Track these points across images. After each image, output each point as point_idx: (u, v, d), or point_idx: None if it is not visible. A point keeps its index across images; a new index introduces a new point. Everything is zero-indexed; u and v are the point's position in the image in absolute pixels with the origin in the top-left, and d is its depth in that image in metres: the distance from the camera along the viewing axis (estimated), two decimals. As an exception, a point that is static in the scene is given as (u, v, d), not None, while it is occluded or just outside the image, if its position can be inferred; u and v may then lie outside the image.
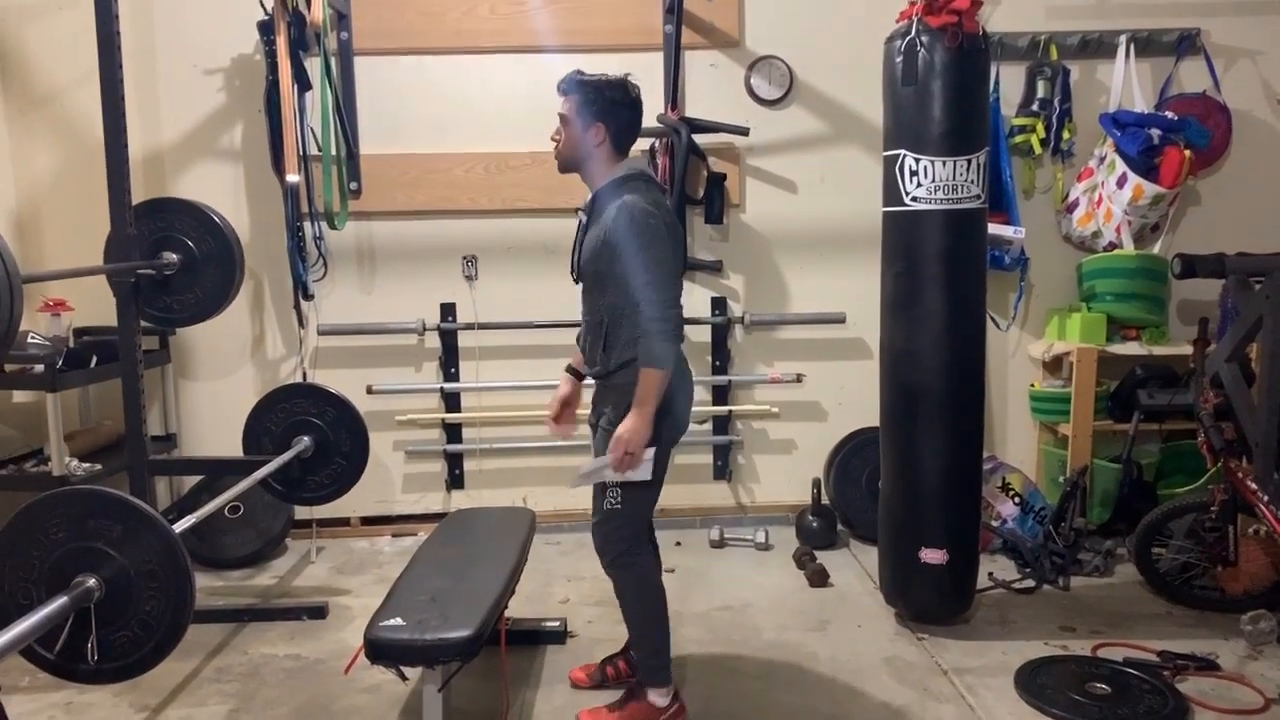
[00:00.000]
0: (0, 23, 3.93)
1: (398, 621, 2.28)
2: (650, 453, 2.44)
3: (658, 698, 2.62)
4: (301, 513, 4.05)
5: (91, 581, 2.02)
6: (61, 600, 1.96)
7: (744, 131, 4.02)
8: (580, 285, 2.63)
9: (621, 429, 2.40)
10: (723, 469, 4.32)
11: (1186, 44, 4.07)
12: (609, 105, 2.51)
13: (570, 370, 2.84)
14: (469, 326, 4.14)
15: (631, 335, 2.45)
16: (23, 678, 2.80)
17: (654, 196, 2.51)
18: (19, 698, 2.35)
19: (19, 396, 3.69)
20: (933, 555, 3.08)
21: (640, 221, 2.40)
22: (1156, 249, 4.05)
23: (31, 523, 2.06)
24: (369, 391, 4.04)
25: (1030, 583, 3.53)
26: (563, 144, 2.55)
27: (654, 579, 2.67)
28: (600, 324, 2.52)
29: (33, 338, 3.43)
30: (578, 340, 2.71)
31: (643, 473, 2.46)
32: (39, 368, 3.31)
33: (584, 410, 2.74)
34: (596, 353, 2.55)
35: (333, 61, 3.82)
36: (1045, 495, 4.00)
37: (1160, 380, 3.87)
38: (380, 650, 2.24)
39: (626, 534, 2.57)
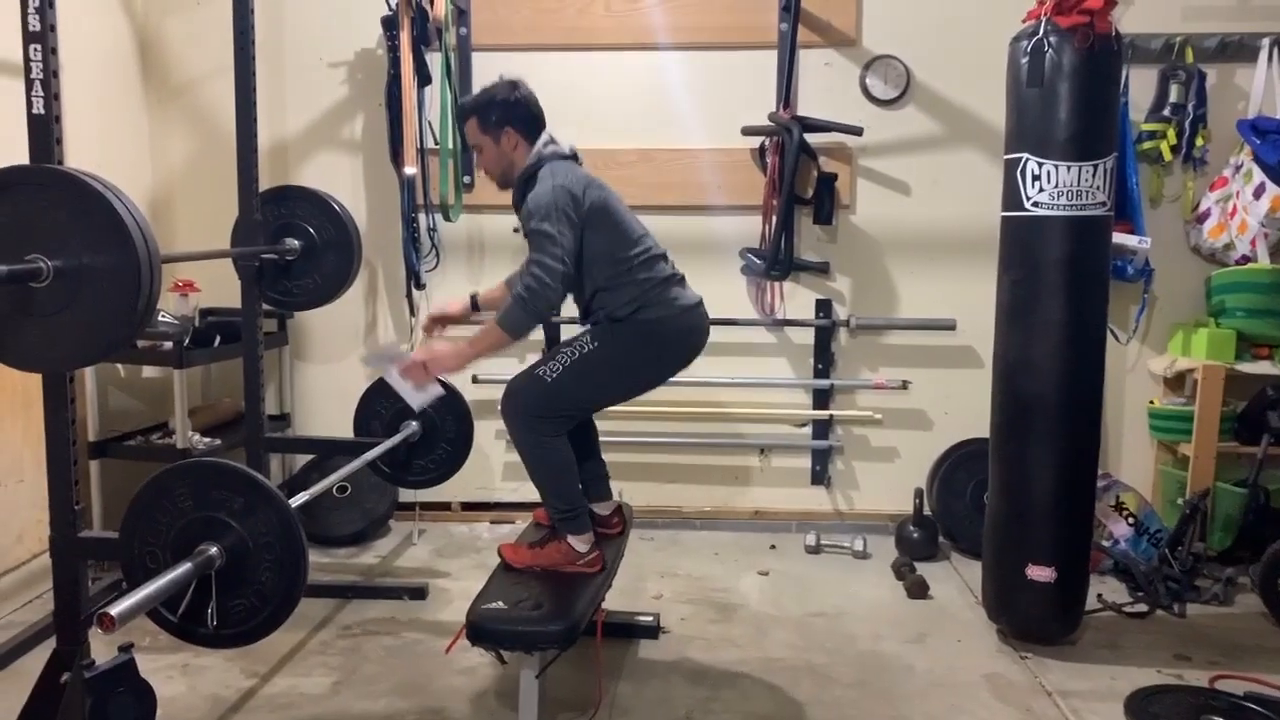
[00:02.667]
0: (144, 16, 4.14)
1: (500, 605, 2.32)
2: (436, 389, 2.59)
3: (578, 543, 2.64)
4: (405, 495, 4.15)
5: (214, 550, 2.10)
6: (186, 566, 2.04)
7: (857, 131, 3.95)
8: None
9: (437, 347, 2.57)
10: (821, 474, 4.26)
11: (1336, 48, 3.84)
12: (504, 107, 2.61)
13: (473, 297, 2.99)
14: (572, 320, 4.17)
15: (611, 301, 2.58)
16: (144, 638, 2.94)
17: (555, 172, 2.56)
18: (141, 656, 2.47)
19: (148, 372, 3.89)
20: (1040, 572, 2.98)
21: (534, 209, 2.50)
22: (1294, 264, 3.84)
23: (161, 491, 2.16)
24: (474, 380, 4.12)
25: (1143, 607, 3.38)
26: (488, 167, 2.69)
27: (551, 448, 2.63)
28: (583, 302, 2.68)
29: (162, 316, 3.61)
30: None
31: (421, 396, 2.60)
32: (167, 345, 3.48)
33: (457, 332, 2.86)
34: (582, 318, 2.72)
35: (452, 57, 3.91)
36: (1162, 517, 3.83)
37: (1293, 402, 3.67)
38: (482, 633, 2.28)
39: (541, 407, 2.57)
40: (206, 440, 3.66)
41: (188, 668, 2.89)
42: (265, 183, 3.47)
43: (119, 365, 3.84)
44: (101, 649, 2.38)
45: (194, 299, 3.75)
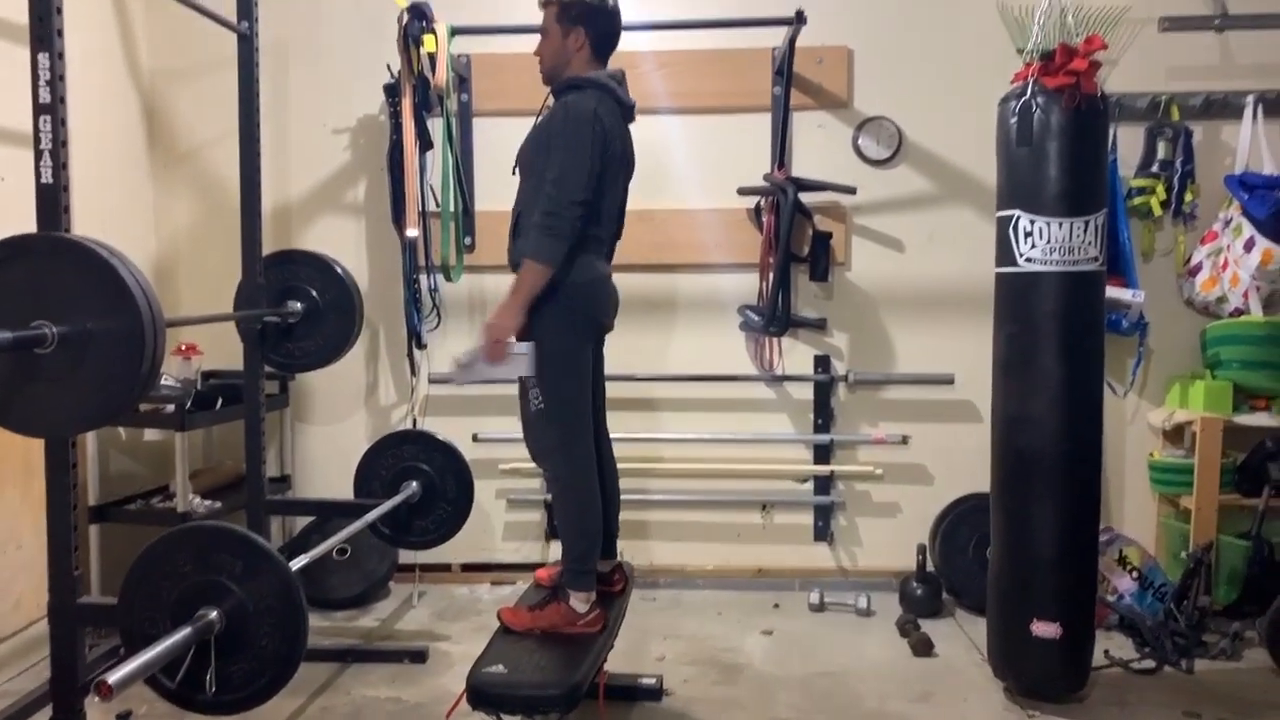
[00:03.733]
0: (151, 86, 4.24)
1: (500, 669, 2.31)
2: (527, 347, 2.47)
3: (578, 603, 2.59)
4: (405, 557, 4.13)
5: (213, 614, 2.10)
6: (185, 631, 2.04)
7: (851, 190, 4.02)
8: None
9: (489, 317, 2.50)
10: (824, 530, 4.25)
11: (1320, 105, 3.92)
12: (589, 9, 2.62)
13: None
14: (573, 379, 4.20)
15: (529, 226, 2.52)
16: (141, 705, 2.91)
17: (602, 101, 2.56)
18: (137, 725, 2.48)
19: (149, 435, 3.88)
20: (1045, 629, 2.96)
21: (572, 120, 2.49)
22: (1287, 315, 3.87)
23: (161, 556, 2.16)
24: (475, 440, 4.13)
25: (1150, 663, 3.35)
26: (545, 55, 2.67)
27: (585, 479, 2.61)
28: (514, 216, 2.64)
29: (165, 379, 3.62)
30: None
31: (519, 367, 2.47)
32: (169, 408, 3.49)
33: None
34: (511, 241, 2.64)
35: (453, 122, 3.99)
36: (1166, 571, 3.81)
37: (1293, 453, 3.67)
38: (482, 697, 2.26)
39: (555, 431, 2.57)
40: (207, 503, 3.65)
41: (184, 735, 2.85)
42: (269, 246, 3.52)
43: (120, 429, 3.85)
44: (98, 717, 2.35)
45: (196, 361, 3.77)
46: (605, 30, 2.67)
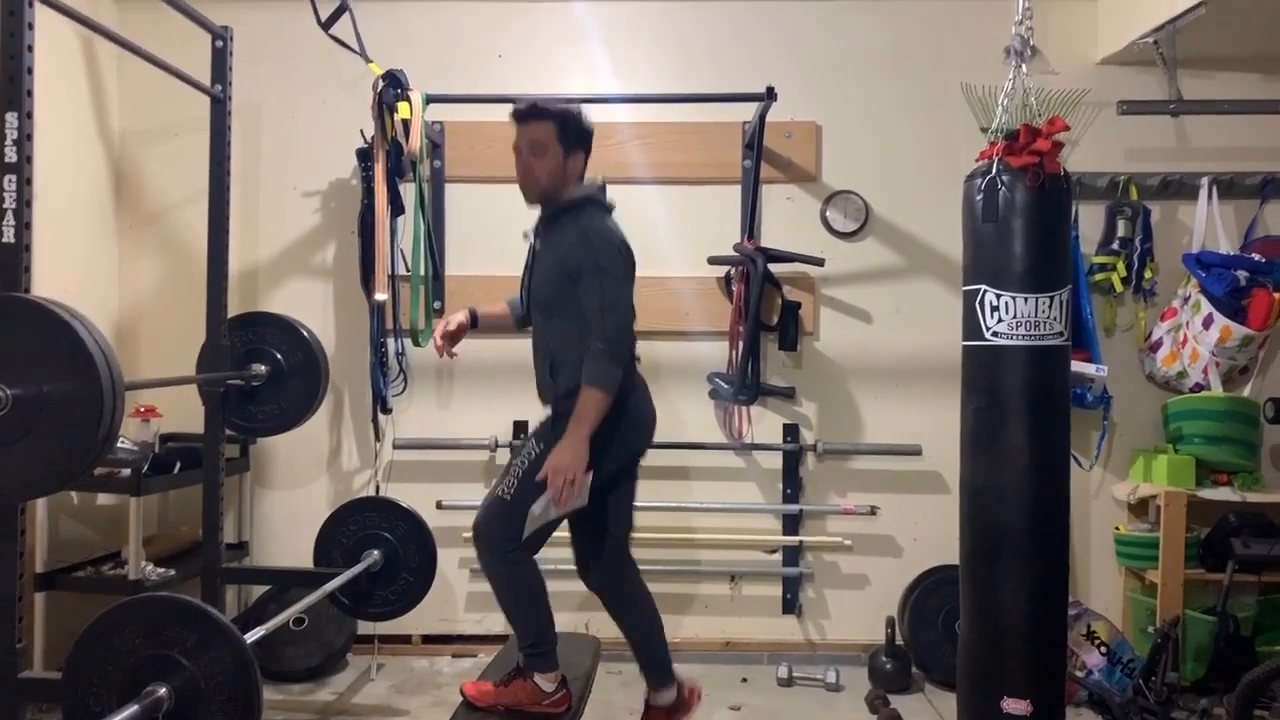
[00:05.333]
0: (121, 147, 4.22)
1: (460, 749, 2.23)
2: (589, 478, 2.40)
3: (544, 682, 2.53)
4: (364, 627, 4.02)
5: (162, 691, 2.02)
6: (132, 709, 1.96)
7: (819, 262, 4.06)
8: (528, 311, 2.67)
9: (555, 457, 2.35)
10: (792, 602, 4.20)
11: (1271, 188, 4.04)
12: (585, 136, 2.58)
13: (472, 312, 2.86)
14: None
15: (578, 359, 2.44)
16: (81, 785, 2.77)
17: (610, 220, 2.55)
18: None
19: (102, 499, 3.79)
20: (1016, 705, 2.91)
21: (599, 247, 2.45)
22: (1246, 391, 3.94)
23: (109, 628, 2.09)
24: (439, 507, 4.06)
25: (1121, 741, 3.32)
26: (541, 174, 2.53)
27: (532, 571, 2.55)
28: (547, 349, 2.55)
29: (122, 442, 3.54)
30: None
31: (582, 499, 2.40)
32: (125, 472, 3.40)
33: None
34: (544, 378, 2.56)
35: (425, 188, 4.00)
36: (1134, 646, 3.79)
37: (1255, 528, 3.70)
38: (441, 778, 2.18)
39: (507, 529, 2.49)
40: (160, 571, 3.54)
41: (127, 818, 2.72)
42: (234, 308, 3.48)
43: (73, 492, 3.75)
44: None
45: (155, 424, 3.69)
46: (589, 154, 2.66)
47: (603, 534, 2.68)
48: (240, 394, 3.37)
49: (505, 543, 2.52)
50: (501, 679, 2.62)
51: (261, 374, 3.37)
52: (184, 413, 3.75)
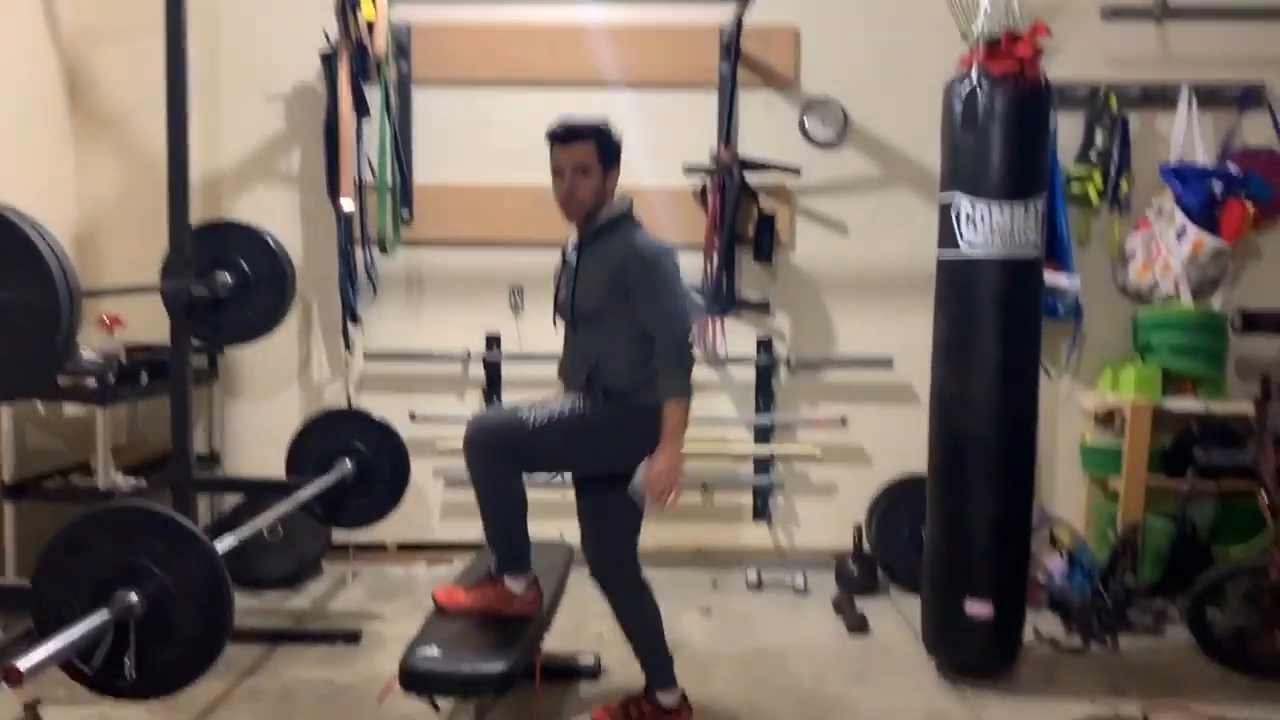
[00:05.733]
0: (74, 46, 4.05)
1: (434, 651, 2.26)
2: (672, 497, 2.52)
3: (514, 585, 2.60)
4: (339, 536, 4.05)
5: (133, 597, 2.02)
6: (103, 615, 1.96)
7: (796, 171, 4.01)
8: (565, 323, 2.69)
9: (657, 470, 2.46)
10: (762, 510, 4.26)
11: (1250, 97, 4.01)
12: (619, 151, 2.61)
13: None
14: (514, 357, 4.15)
15: (622, 367, 2.52)
16: (58, 689, 2.80)
17: (656, 239, 2.60)
18: (54, 710, 2.37)
19: (69, 410, 3.75)
20: (978, 608, 3.00)
21: (657, 259, 2.52)
22: (1216, 303, 3.96)
23: (78, 536, 2.08)
24: (412, 418, 4.05)
25: (1078, 641, 3.42)
26: (584, 194, 2.55)
27: (520, 485, 2.59)
28: (588, 359, 2.57)
29: (86, 353, 3.48)
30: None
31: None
32: (91, 382, 3.35)
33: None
34: (580, 385, 2.59)
35: (392, 92, 3.89)
36: (1095, 551, 3.89)
37: (1217, 437, 3.77)
38: (415, 679, 2.22)
39: (515, 450, 2.53)
40: (131, 481, 3.53)
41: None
42: (198, 216, 3.39)
43: (39, 403, 3.70)
44: (8, 704, 2.26)
45: (120, 335, 3.63)
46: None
47: (612, 529, 2.69)
48: (206, 304, 3.30)
49: (507, 457, 2.54)
50: (472, 583, 2.65)
51: (227, 284, 3.30)
52: (150, 324, 3.68)
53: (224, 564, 2.10)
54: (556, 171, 2.56)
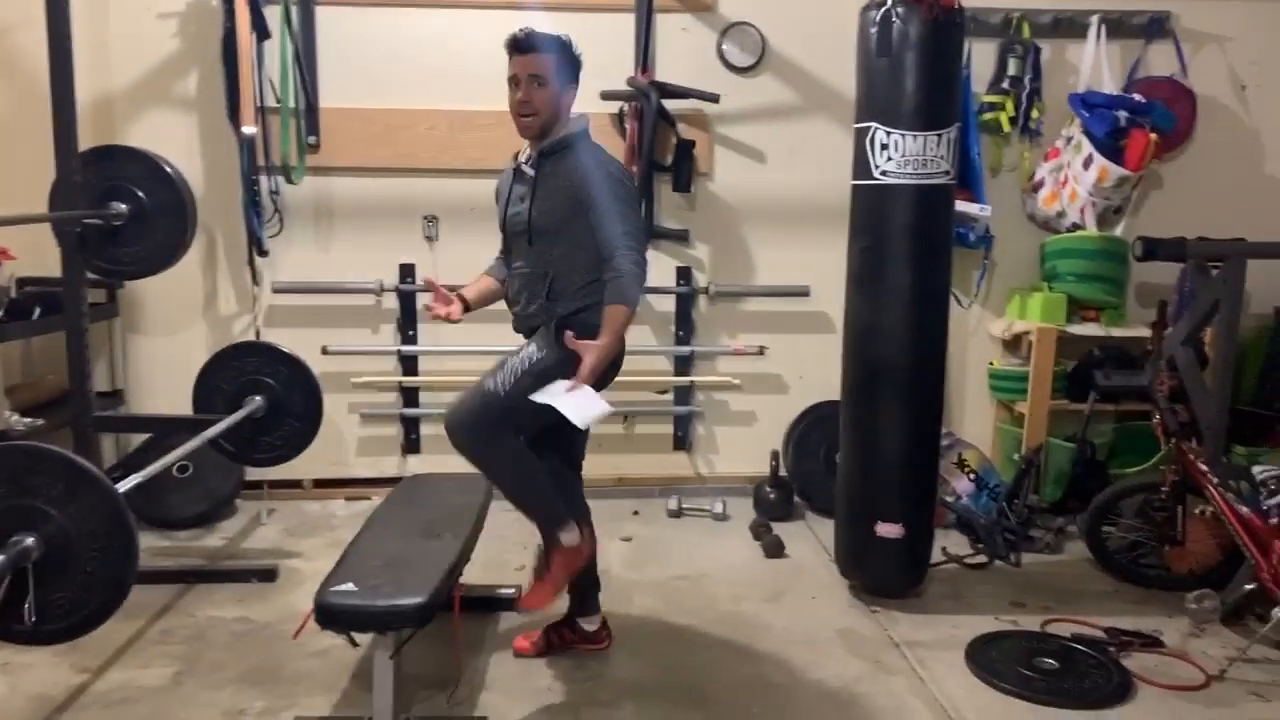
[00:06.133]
0: (-59, -45, 3.75)
1: (349, 587, 2.24)
2: (598, 397, 2.44)
3: (568, 539, 2.61)
4: (252, 474, 3.97)
5: (30, 540, 1.95)
6: (-2, 559, 1.89)
7: (714, 98, 3.96)
8: (514, 238, 2.61)
9: (590, 358, 2.38)
10: (683, 439, 4.31)
11: (1156, 27, 4.08)
12: (577, 68, 2.58)
13: (461, 298, 2.77)
14: (428, 288, 4.06)
15: (579, 286, 2.50)
16: (-42, 637, 2.72)
17: (613, 158, 2.59)
18: (-47, 657, 2.31)
19: (-43, 347, 3.56)
20: (889, 529, 3.09)
21: (616, 177, 2.50)
22: (1119, 231, 4.08)
23: (-33, 479, 1.98)
24: (324, 352, 3.95)
25: (983, 558, 3.57)
26: (543, 106, 2.50)
27: (525, 449, 2.56)
28: (544, 276, 2.53)
29: (-28, 287, 3.31)
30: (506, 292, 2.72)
31: (599, 408, 2.41)
32: (-21, 318, 3.19)
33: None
34: (537, 304, 2.54)
35: (293, 10, 3.71)
36: (1000, 473, 4.04)
37: (1116, 361, 3.92)
38: (331, 615, 2.20)
39: (501, 420, 2.49)
40: (27, 421, 3.39)
41: (7, 666, 2.69)
42: (89, 142, 3.22)
43: (-78, 340, 3.51)
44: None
45: (9, 267, 3.46)
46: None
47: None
48: (100, 235, 3.15)
49: (496, 432, 2.50)
50: (543, 573, 2.64)
51: (122, 213, 3.15)
52: (43, 256, 3.50)
53: (126, 503, 2.03)
54: (512, 80, 2.51)
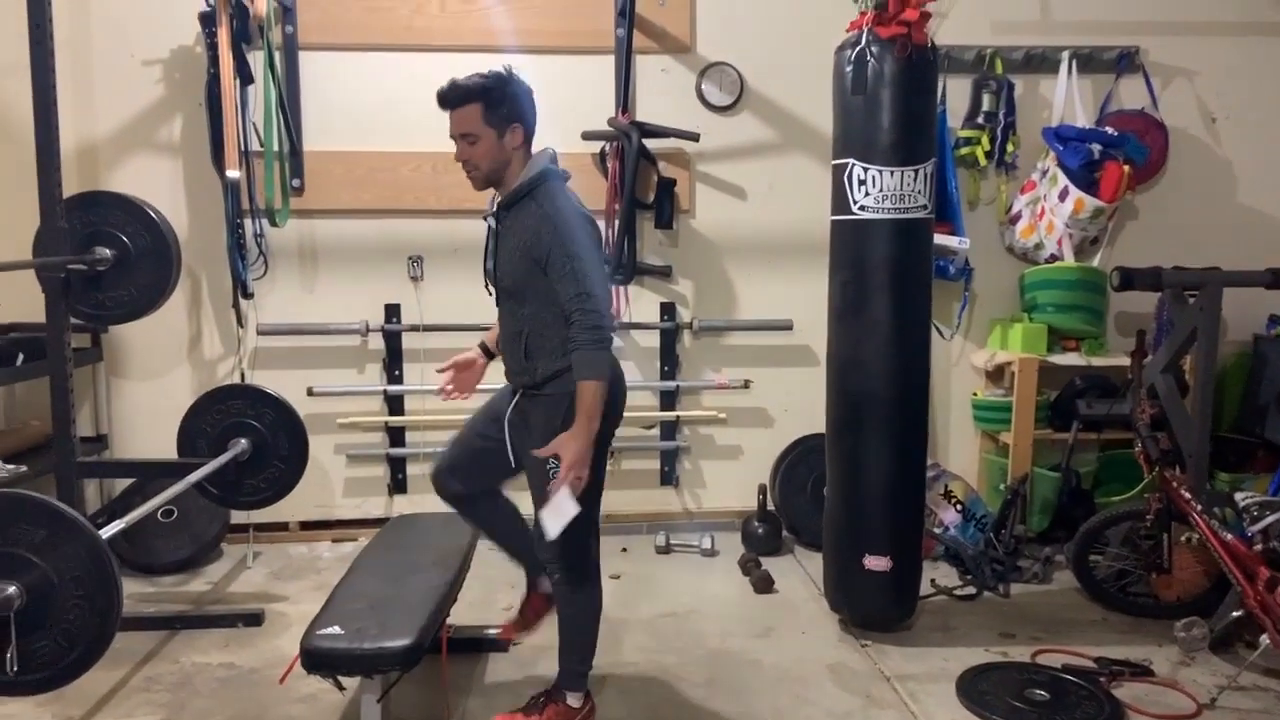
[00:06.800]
0: (-74, 5, 3.78)
1: (335, 630, 2.23)
2: (571, 498, 2.32)
3: (574, 700, 2.59)
4: (238, 517, 3.94)
5: (11, 589, 1.94)
6: (-22, 608, 1.87)
7: (694, 137, 4.01)
8: (496, 294, 2.54)
9: (570, 454, 2.28)
10: (670, 474, 4.31)
11: (1126, 62, 4.16)
12: (517, 101, 2.39)
13: (483, 346, 2.75)
14: (414, 328, 4.08)
15: (557, 344, 2.38)
16: (-62, 689, 2.68)
17: (566, 194, 2.42)
18: (-67, 710, 2.26)
19: (-61, 394, 3.55)
20: (877, 562, 3.09)
21: (563, 231, 2.32)
22: (1096, 261, 4.13)
23: (-52, 527, 1.97)
24: (310, 393, 3.95)
25: (971, 589, 3.57)
26: (482, 159, 2.37)
27: (596, 578, 2.59)
28: (520, 334, 2.43)
29: (-45, 334, 3.30)
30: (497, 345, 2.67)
31: (571, 510, 2.31)
32: (-39, 365, 3.18)
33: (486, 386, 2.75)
34: (519, 363, 2.46)
35: (276, 56, 3.74)
36: (987, 503, 4.05)
37: (1098, 390, 3.96)
38: (317, 660, 2.18)
39: (586, 540, 2.49)
40: (10, 467, 3.36)
41: (-11, 718, 2.65)
42: (73, 188, 3.24)
43: (-96, 388, 3.50)
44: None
45: (-8, 314, 3.45)
46: (534, 115, 2.44)
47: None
48: (84, 280, 3.15)
49: (587, 560, 2.51)
50: (533, 707, 2.59)
51: (106, 258, 3.15)
52: (26, 302, 3.50)
53: (109, 550, 2.02)
54: (452, 137, 2.41)
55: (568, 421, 2.34)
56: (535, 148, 2.47)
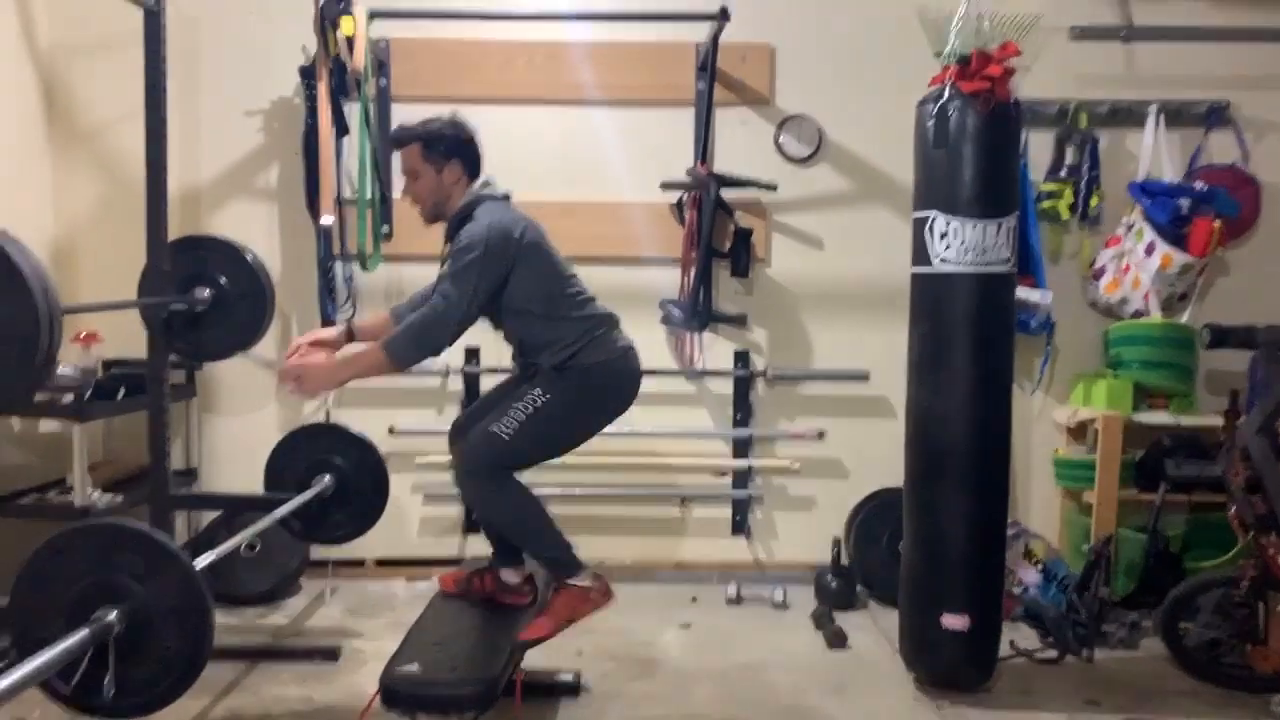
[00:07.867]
0: (51, 59, 4.04)
1: (415, 669, 2.27)
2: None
3: (581, 582, 2.63)
4: (317, 552, 4.03)
5: (112, 615, 2.01)
6: (81, 633, 1.95)
7: (772, 188, 4.05)
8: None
9: (312, 360, 2.60)
10: (741, 524, 4.28)
11: (1216, 116, 4.09)
12: (454, 141, 2.66)
13: (350, 327, 2.94)
14: (492, 370, 4.15)
15: (551, 338, 2.61)
16: (33, 709, 2.78)
17: (507, 208, 2.66)
18: (30, 730, 2.35)
19: (45, 425, 3.72)
20: (955, 621, 3.03)
21: (477, 239, 2.52)
22: (1185, 318, 4.03)
23: (55, 554, 2.07)
24: (390, 432, 4.05)
25: (1053, 653, 3.46)
26: (423, 196, 2.66)
27: (522, 487, 2.63)
28: (518, 343, 2.70)
29: (63, 368, 3.46)
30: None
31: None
32: (67, 398, 3.34)
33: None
34: (527, 365, 2.70)
35: (371, 107, 3.90)
36: (1069, 564, 3.94)
37: (1187, 450, 3.83)
38: (395, 697, 2.22)
39: (497, 460, 2.57)
40: (108, 497, 3.51)
41: (80, 740, 2.73)
42: (176, 231, 3.38)
43: (14, 419, 3.67)
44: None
45: (97, 350, 3.61)
46: (474, 154, 2.72)
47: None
48: (184, 319, 3.29)
49: (497, 470, 2.59)
50: (543, 605, 2.68)
51: (205, 299, 3.28)
52: (127, 339, 3.66)
53: (203, 581, 2.09)
54: (403, 174, 2.69)
55: (583, 390, 2.58)
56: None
